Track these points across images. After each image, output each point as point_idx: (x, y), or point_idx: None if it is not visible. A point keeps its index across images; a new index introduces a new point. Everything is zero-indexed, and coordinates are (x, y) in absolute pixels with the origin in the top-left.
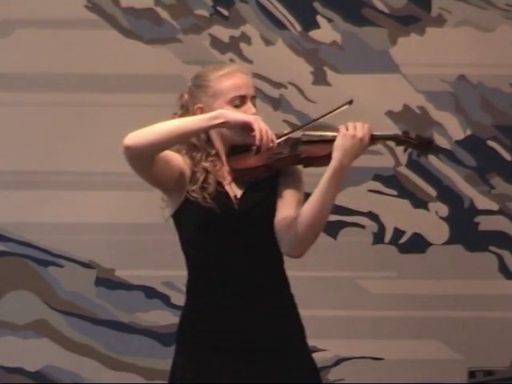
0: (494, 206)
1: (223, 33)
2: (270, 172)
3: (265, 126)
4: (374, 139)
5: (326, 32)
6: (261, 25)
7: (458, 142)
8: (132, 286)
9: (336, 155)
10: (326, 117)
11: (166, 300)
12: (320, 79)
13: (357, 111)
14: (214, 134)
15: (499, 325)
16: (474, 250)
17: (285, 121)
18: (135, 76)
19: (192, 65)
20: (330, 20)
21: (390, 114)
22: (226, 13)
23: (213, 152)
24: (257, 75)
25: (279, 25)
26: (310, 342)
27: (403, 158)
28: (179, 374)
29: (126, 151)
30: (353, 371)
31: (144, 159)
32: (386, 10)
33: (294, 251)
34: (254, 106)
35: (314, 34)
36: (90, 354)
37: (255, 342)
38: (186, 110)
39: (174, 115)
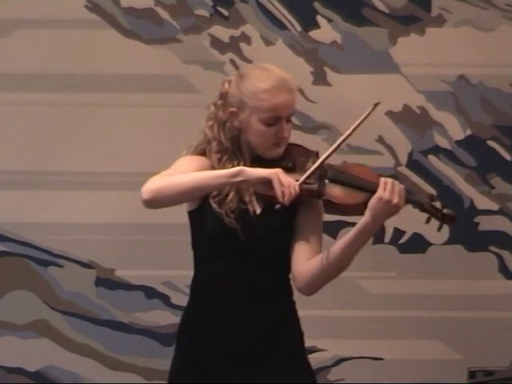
0: (494, 206)
1: (223, 33)
2: (292, 200)
3: (285, 179)
4: (406, 203)
5: (326, 32)
6: (261, 25)
7: (457, 142)
8: (132, 286)
9: (367, 216)
10: (357, 127)
11: (165, 300)
12: (320, 79)
13: (357, 111)
14: (242, 140)
15: (499, 325)
16: (474, 249)
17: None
18: (135, 76)
19: (192, 65)
20: (330, 20)
21: (390, 113)
22: (226, 13)
23: (240, 164)
24: None
25: (279, 25)
26: (310, 342)
27: (403, 158)
28: (178, 375)
29: (146, 204)
30: (353, 371)
31: (163, 207)
32: (386, 10)
33: (306, 292)
34: (289, 121)
35: (314, 33)
36: (90, 354)
37: (253, 348)
38: (223, 104)
39: (213, 105)
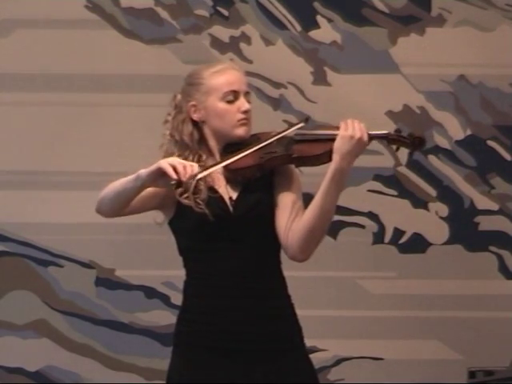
0: (494, 206)
1: (223, 33)
2: (263, 172)
3: (177, 161)
4: (370, 138)
5: (326, 32)
6: (261, 25)
7: (457, 142)
8: (132, 286)
9: (335, 157)
10: (284, 133)
11: (165, 300)
12: (320, 79)
13: (357, 111)
14: (207, 132)
15: (499, 325)
16: (474, 249)
17: (285, 121)
18: (135, 76)
19: (192, 65)
20: (330, 20)
21: (389, 113)
22: (226, 13)
23: (204, 156)
24: (257, 75)
25: (279, 25)
26: (310, 342)
27: (403, 158)
28: (176, 375)
29: (99, 214)
30: (353, 371)
31: (117, 214)
32: (386, 10)
33: (298, 256)
34: (249, 102)
35: (314, 33)
36: (90, 354)
37: (252, 343)
38: (179, 110)
39: (168, 115)
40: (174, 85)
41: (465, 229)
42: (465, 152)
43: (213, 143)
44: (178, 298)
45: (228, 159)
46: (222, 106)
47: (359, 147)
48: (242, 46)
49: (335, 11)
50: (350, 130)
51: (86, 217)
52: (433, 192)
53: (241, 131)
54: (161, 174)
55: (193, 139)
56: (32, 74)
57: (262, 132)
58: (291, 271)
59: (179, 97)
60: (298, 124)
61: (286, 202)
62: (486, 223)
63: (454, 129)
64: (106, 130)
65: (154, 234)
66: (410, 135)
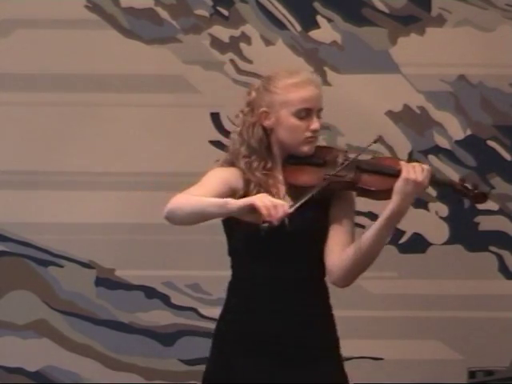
0: (494, 206)
1: (223, 33)
2: (324, 193)
3: (269, 200)
4: (431, 184)
5: (326, 32)
6: (261, 25)
7: (457, 142)
8: (132, 286)
9: (396, 199)
10: (356, 157)
11: (166, 300)
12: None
13: (357, 111)
14: (273, 140)
15: (499, 325)
16: (474, 249)
17: None
18: (135, 76)
19: (192, 65)
20: (329, 20)
21: (389, 113)
22: (226, 13)
23: (269, 165)
24: (257, 75)
25: (279, 25)
26: None
27: (403, 158)
28: (213, 375)
29: (167, 221)
30: (353, 371)
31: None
32: (386, 10)
33: (340, 283)
34: (319, 117)
35: (314, 33)
36: (90, 354)
37: (290, 348)
38: (251, 110)
39: (241, 112)
40: (174, 85)
41: (465, 229)
42: (465, 152)
43: (277, 151)
44: (178, 298)
45: (315, 190)
46: (294, 121)
47: (420, 191)
48: (242, 45)
49: (335, 11)
50: (412, 172)
51: (86, 217)
52: (433, 192)
53: (306, 149)
54: (252, 210)
55: (261, 145)
56: (32, 74)
57: (325, 146)
58: None
59: (254, 95)
60: (369, 145)
61: (340, 226)
62: (486, 223)
63: (454, 129)
64: (105, 130)
65: (154, 234)
66: (473, 189)
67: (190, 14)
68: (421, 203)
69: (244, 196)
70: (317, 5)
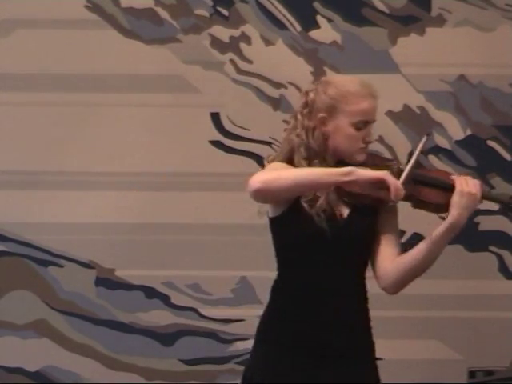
0: (494, 206)
1: (223, 33)
2: (380, 204)
3: (394, 180)
4: (482, 198)
5: (326, 32)
6: (261, 25)
7: (457, 142)
8: (132, 286)
9: (454, 213)
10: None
11: (166, 300)
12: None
13: None
14: (329, 145)
15: (499, 325)
16: (474, 249)
17: (285, 121)
18: (135, 76)
19: (192, 65)
20: (330, 20)
21: (389, 113)
22: (226, 13)
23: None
24: (257, 75)
25: (279, 25)
26: None
27: (403, 158)
28: (256, 371)
29: (255, 194)
30: None
31: (270, 201)
32: (386, 10)
33: (390, 290)
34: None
35: (314, 33)
36: (90, 354)
37: (330, 350)
38: (309, 112)
39: (299, 114)
40: (174, 85)
41: (465, 229)
42: (465, 152)
43: (329, 156)
44: (178, 298)
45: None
46: (351, 131)
47: (475, 204)
48: (242, 45)
49: (335, 11)
50: (466, 185)
51: (86, 217)
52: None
53: (360, 158)
54: (379, 185)
55: (321, 149)
56: (32, 74)
57: (375, 154)
58: None
59: (312, 97)
60: (422, 140)
61: (389, 233)
62: (485, 223)
63: (454, 129)
64: (106, 130)
65: (154, 234)
66: None
67: (190, 14)
68: None
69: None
70: (317, 5)
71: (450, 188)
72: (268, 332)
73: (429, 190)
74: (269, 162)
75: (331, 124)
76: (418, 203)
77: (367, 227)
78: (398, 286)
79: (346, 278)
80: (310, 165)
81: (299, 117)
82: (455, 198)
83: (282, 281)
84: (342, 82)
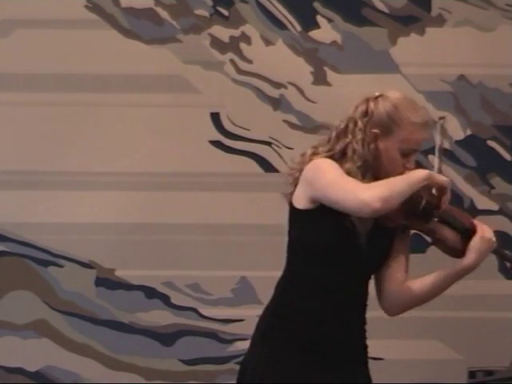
0: (494, 206)
1: (223, 33)
2: (402, 230)
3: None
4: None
5: (326, 32)
6: (261, 25)
7: (457, 142)
8: (132, 286)
9: (472, 256)
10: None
11: (166, 300)
12: (320, 79)
13: None
14: (373, 161)
15: (499, 325)
16: None
17: (285, 121)
18: (135, 76)
19: (192, 65)
20: (330, 20)
21: None
22: (226, 13)
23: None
24: (257, 75)
25: (279, 25)
26: None
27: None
28: (255, 370)
29: (375, 212)
30: None
31: None
32: (386, 10)
33: (392, 312)
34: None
35: (314, 33)
36: (90, 354)
37: (340, 351)
38: (367, 121)
39: (360, 120)
40: (174, 85)
41: None
42: (465, 152)
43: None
44: (178, 298)
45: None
46: (396, 155)
47: (491, 250)
48: (242, 45)
49: (335, 11)
50: (487, 232)
51: (86, 217)
52: None
53: None
54: (440, 190)
55: (373, 164)
56: (32, 74)
57: None
58: None
59: (372, 106)
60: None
61: (402, 256)
62: (485, 223)
63: (453, 129)
64: (106, 130)
65: (154, 234)
66: None
67: (190, 14)
68: None
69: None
70: (317, 5)
71: (469, 234)
72: (274, 330)
73: (450, 232)
74: (314, 154)
75: (381, 141)
76: (436, 241)
77: (387, 246)
78: (399, 311)
79: (359, 291)
80: (364, 174)
81: (360, 123)
82: (475, 242)
83: (294, 280)
84: (407, 108)
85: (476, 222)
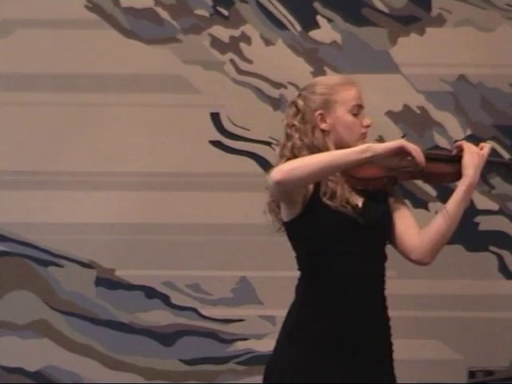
0: (494, 206)
1: (223, 33)
2: (393, 184)
3: (411, 144)
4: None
5: (326, 32)
6: (261, 25)
7: None
8: (132, 286)
9: (468, 172)
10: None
11: (166, 300)
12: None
13: None
14: (330, 141)
15: (499, 325)
16: (473, 249)
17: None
18: (135, 76)
19: (192, 65)
20: (330, 20)
21: (390, 113)
22: (226, 13)
23: None
24: (257, 75)
25: (279, 25)
26: None
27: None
28: (296, 367)
29: (277, 186)
30: None
31: (291, 191)
32: (386, 10)
33: (426, 258)
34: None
35: (314, 33)
36: (90, 354)
37: (363, 349)
38: (303, 116)
39: (294, 123)
40: (174, 85)
41: (465, 229)
42: None
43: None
44: (178, 298)
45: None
46: (350, 118)
47: (483, 162)
48: (242, 45)
49: (335, 11)
50: (473, 147)
51: (86, 217)
52: (433, 192)
53: (361, 144)
54: (399, 153)
55: (324, 146)
56: (32, 74)
57: (376, 140)
58: (292, 271)
59: (301, 103)
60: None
61: (404, 211)
62: (485, 223)
63: (454, 129)
64: (106, 130)
65: (154, 234)
66: None
67: (190, 14)
68: (421, 203)
69: (313, 196)
70: (317, 5)
71: (453, 159)
72: (302, 331)
73: (435, 164)
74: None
75: (330, 117)
76: (426, 177)
77: (384, 212)
78: (432, 253)
79: (372, 269)
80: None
81: (296, 123)
82: (466, 160)
83: (314, 278)
84: (325, 79)
85: (459, 143)
